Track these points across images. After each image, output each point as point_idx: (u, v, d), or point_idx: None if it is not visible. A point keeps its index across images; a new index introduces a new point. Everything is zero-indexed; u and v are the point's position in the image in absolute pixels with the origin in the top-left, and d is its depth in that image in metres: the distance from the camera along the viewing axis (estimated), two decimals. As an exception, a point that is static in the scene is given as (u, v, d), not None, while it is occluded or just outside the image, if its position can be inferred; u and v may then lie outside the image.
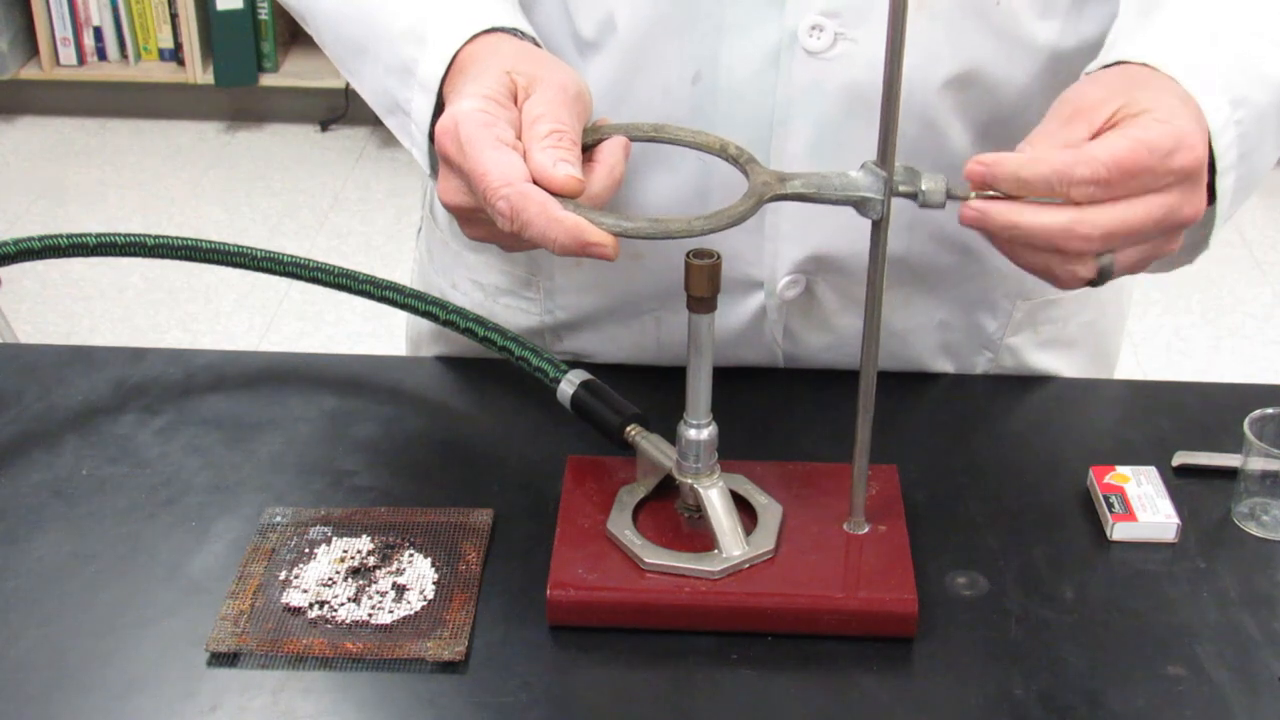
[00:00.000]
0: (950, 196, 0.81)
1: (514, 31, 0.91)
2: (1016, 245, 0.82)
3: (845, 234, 1.01)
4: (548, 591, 0.86)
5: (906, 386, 1.09)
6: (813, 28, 0.94)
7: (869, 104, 0.95)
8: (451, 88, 0.89)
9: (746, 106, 0.96)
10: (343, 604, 0.87)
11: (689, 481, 0.89)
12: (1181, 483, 0.98)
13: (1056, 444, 1.03)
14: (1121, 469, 0.97)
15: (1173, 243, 0.85)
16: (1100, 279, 0.84)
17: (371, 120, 3.82)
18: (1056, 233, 0.80)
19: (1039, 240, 0.81)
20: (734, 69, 0.96)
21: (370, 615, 0.86)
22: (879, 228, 0.82)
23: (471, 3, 0.92)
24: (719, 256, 0.82)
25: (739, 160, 0.85)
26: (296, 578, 0.89)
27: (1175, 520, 0.93)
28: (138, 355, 1.12)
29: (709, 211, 0.81)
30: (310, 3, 1.02)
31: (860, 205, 0.82)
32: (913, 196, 0.81)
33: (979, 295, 1.09)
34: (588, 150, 0.85)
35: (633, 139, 0.87)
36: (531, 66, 0.87)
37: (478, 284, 1.13)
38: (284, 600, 0.87)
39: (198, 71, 3.78)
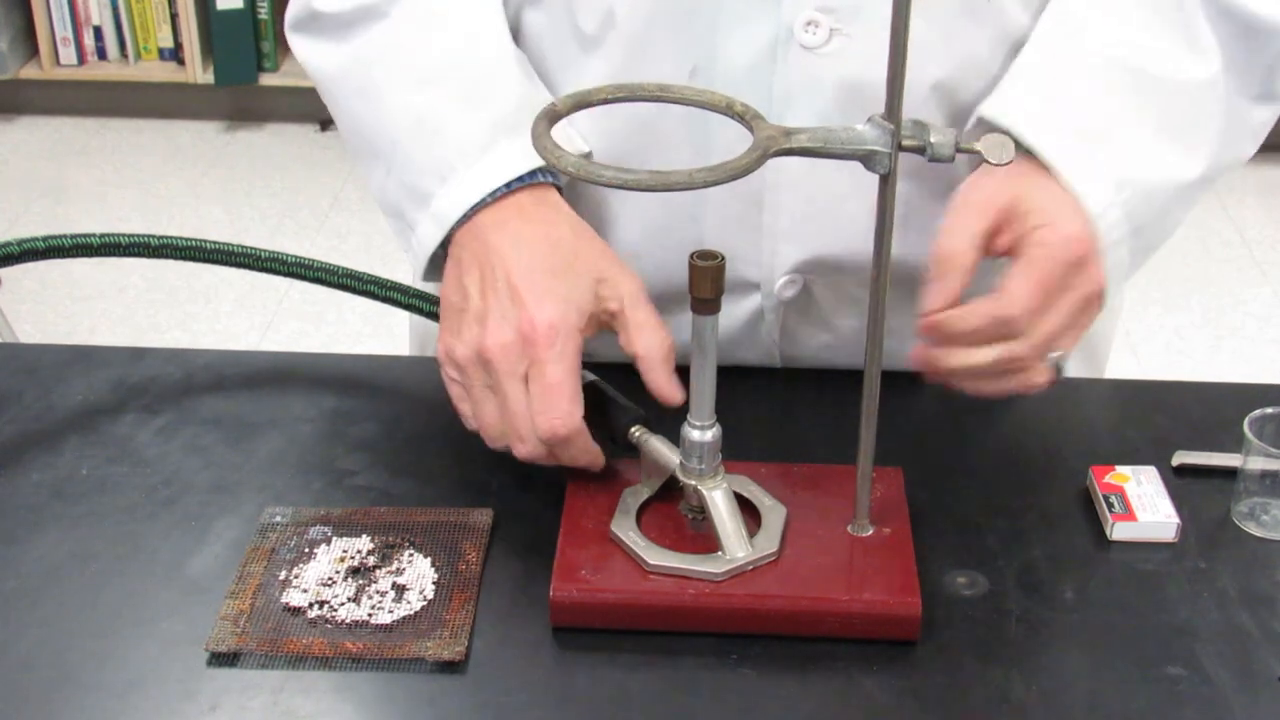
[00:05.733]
0: (959, 150, 0.81)
1: (535, 173, 0.95)
2: (973, 379, 0.91)
3: (843, 234, 1.01)
4: (551, 592, 0.86)
5: (906, 387, 1.09)
6: (808, 23, 0.95)
7: (865, 98, 0.96)
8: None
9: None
10: (343, 604, 0.87)
11: (692, 483, 0.89)
12: (1181, 483, 0.98)
13: (1056, 444, 1.03)
14: (1121, 469, 0.97)
15: (1092, 312, 0.93)
16: (1058, 374, 0.94)
17: (371, 120, 3.82)
18: (1000, 360, 0.89)
19: (990, 370, 0.89)
20: (731, 63, 0.96)
21: (370, 615, 0.86)
22: (886, 182, 0.82)
23: (494, 133, 0.95)
24: (723, 258, 0.82)
25: (745, 117, 0.83)
26: (296, 578, 0.89)
27: (1175, 520, 0.93)
28: (138, 355, 1.12)
29: (711, 164, 0.79)
30: (328, 88, 1.03)
31: (867, 159, 0.81)
32: (921, 150, 0.81)
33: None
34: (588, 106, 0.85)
35: (638, 99, 0.86)
36: (613, 272, 0.92)
37: None
38: (284, 600, 0.87)
39: (198, 71, 3.78)
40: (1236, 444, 0.95)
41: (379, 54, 1.00)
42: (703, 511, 0.89)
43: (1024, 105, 0.94)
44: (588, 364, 1.02)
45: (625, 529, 0.89)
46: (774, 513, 0.90)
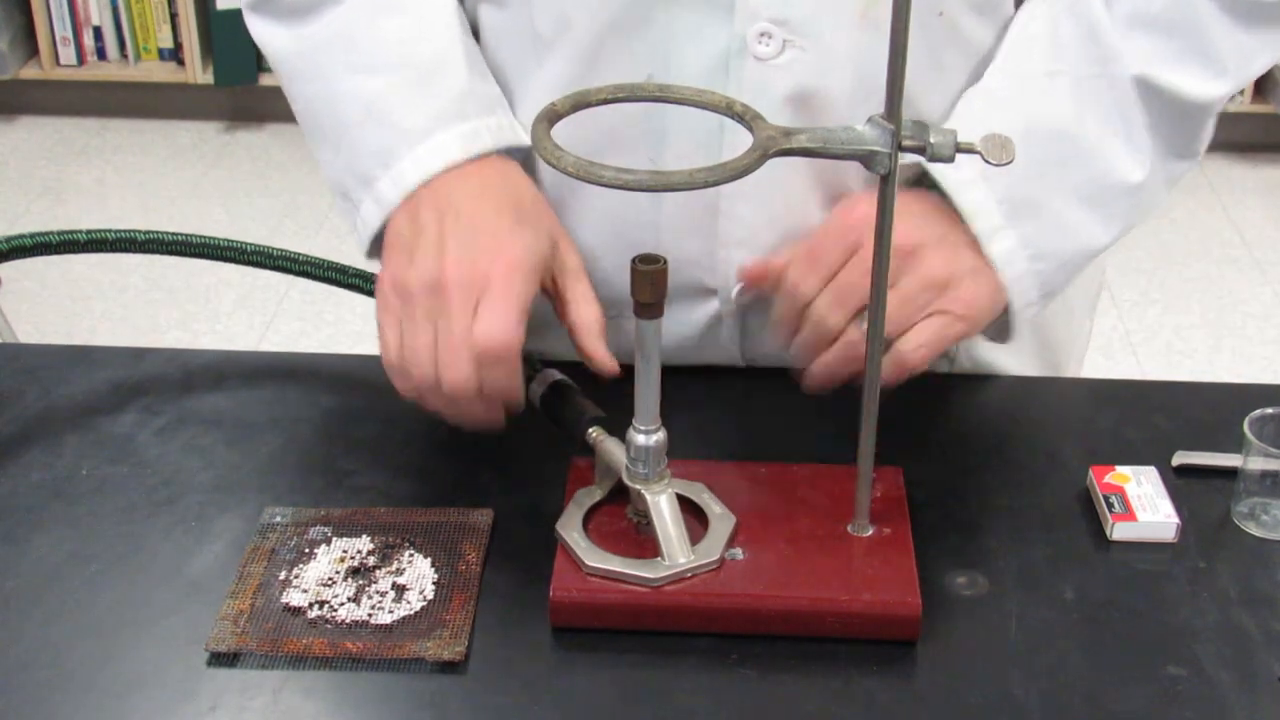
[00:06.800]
0: (960, 149, 0.81)
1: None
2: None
3: (794, 239, 1.02)
4: (551, 592, 0.86)
5: (904, 387, 1.09)
6: (761, 34, 0.96)
7: (817, 109, 0.98)
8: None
9: (697, 109, 0.97)
10: (343, 604, 0.87)
11: (637, 487, 0.89)
12: (1181, 483, 0.98)
13: (1056, 444, 1.03)
14: (1121, 469, 0.97)
15: (946, 298, 0.96)
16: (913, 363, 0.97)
17: (371, 120, 3.82)
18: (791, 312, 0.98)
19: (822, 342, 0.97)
20: (685, 72, 0.97)
21: (370, 615, 0.86)
22: (886, 182, 0.82)
23: (435, 123, 0.98)
24: (665, 262, 0.82)
25: (744, 117, 0.83)
26: (296, 578, 0.89)
27: (1175, 520, 0.93)
28: (138, 355, 1.12)
29: (711, 164, 0.79)
30: (282, 68, 1.05)
31: (867, 159, 0.81)
32: (921, 150, 0.81)
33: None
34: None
35: (638, 99, 0.86)
36: (564, 242, 0.97)
37: None
38: (284, 600, 0.87)
39: (197, 71, 3.78)
40: (1236, 444, 0.95)
41: (332, 39, 1.02)
42: (646, 516, 0.88)
43: (962, 165, 0.95)
44: (556, 363, 1.02)
45: (569, 529, 0.89)
46: (722, 521, 0.90)
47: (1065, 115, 0.98)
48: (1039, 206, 0.98)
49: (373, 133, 0.99)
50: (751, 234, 1.02)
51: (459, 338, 0.89)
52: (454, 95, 0.99)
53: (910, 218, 0.95)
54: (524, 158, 1.03)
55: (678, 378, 0.98)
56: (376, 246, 1.01)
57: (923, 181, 1.00)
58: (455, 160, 0.97)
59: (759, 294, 1.05)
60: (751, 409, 1.07)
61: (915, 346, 0.96)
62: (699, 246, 1.03)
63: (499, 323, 0.88)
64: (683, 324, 1.07)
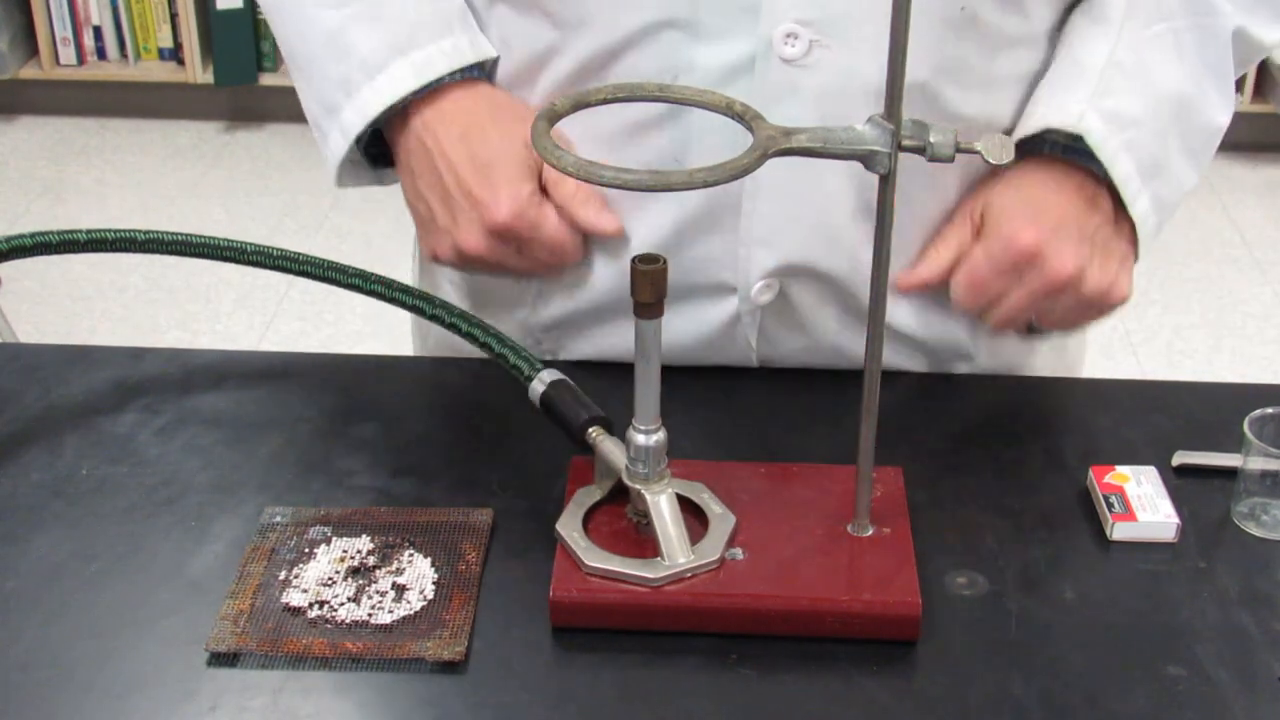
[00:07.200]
0: (960, 149, 0.81)
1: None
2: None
3: (819, 241, 1.02)
4: (551, 592, 0.86)
5: (906, 387, 1.09)
6: (788, 35, 0.95)
7: (844, 110, 0.97)
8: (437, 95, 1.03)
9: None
10: (343, 604, 0.87)
11: (637, 487, 0.88)
12: (1181, 483, 0.98)
13: (1056, 444, 1.03)
14: (1121, 469, 0.97)
15: (1078, 292, 1.00)
16: (1033, 333, 1.09)
17: (371, 120, 3.82)
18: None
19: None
20: (709, 74, 0.97)
21: (370, 615, 0.86)
22: (886, 182, 0.82)
23: (390, 53, 1.02)
24: (664, 262, 0.81)
25: (744, 116, 0.83)
26: (296, 577, 0.89)
27: (1175, 520, 0.93)
28: (138, 355, 1.12)
29: (711, 164, 0.79)
30: (261, 3, 1.10)
31: (867, 159, 0.80)
32: (921, 150, 0.80)
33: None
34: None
35: (637, 99, 0.86)
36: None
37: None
38: (284, 600, 0.87)
39: (197, 71, 3.78)
40: (1236, 444, 0.95)
41: None
42: (646, 516, 0.88)
43: (1110, 136, 1.00)
44: (555, 363, 1.02)
45: (569, 528, 0.89)
46: (722, 521, 0.89)
47: (1180, 74, 1.02)
48: (1160, 163, 1.02)
49: (335, 63, 1.03)
50: (773, 232, 1.02)
51: (545, 265, 1.05)
52: (406, 26, 1.02)
53: (1027, 207, 1.00)
54: (486, 72, 1.06)
55: (679, 377, 0.98)
56: (348, 174, 1.08)
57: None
58: (411, 89, 1.02)
59: (781, 290, 1.05)
60: (752, 409, 1.07)
61: (1051, 328, 1.07)
62: (720, 244, 1.03)
63: (566, 256, 1.04)
64: (701, 322, 1.06)
